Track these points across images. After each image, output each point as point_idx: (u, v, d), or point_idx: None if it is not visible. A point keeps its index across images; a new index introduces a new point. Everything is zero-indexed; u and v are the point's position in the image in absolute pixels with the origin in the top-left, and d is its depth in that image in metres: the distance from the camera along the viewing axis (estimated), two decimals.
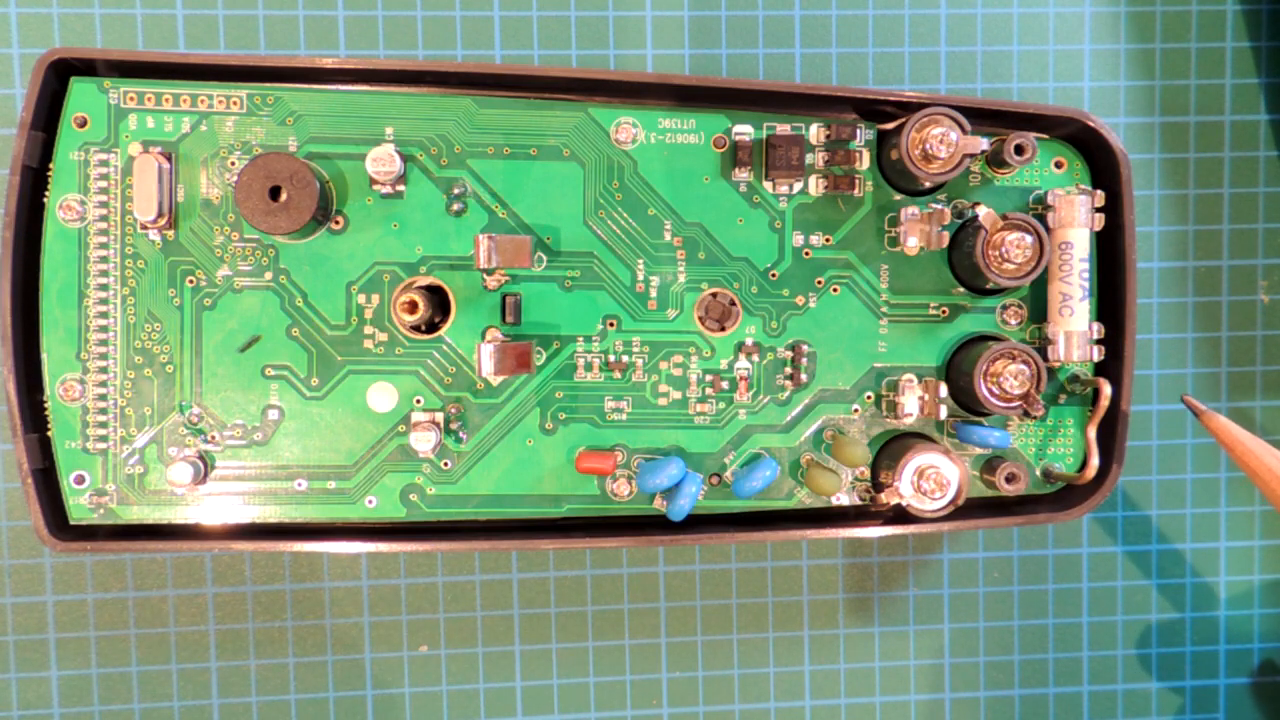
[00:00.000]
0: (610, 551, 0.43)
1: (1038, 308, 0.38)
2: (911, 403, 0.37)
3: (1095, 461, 0.37)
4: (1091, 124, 0.37)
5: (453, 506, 0.37)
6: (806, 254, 0.38)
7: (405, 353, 0.37)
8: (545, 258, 0.37)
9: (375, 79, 0.37)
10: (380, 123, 0.36)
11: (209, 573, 0.42)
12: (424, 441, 0.36)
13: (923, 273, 0.38)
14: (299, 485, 0.37)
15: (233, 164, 0.36)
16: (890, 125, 0.37)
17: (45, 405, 0.36)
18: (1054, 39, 0.43)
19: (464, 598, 0.43)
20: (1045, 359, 0.37)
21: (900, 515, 0.38)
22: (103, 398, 0.36)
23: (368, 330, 0.37)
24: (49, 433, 0.36)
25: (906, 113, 0.36)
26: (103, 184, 0.35)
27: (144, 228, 0.35)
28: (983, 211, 0.36)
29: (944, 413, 0.37)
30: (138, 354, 0.36)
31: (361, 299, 0.36)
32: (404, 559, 0.42)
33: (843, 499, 0.38)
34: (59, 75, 0.35)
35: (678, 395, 0.37)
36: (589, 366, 0.37)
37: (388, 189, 0.36)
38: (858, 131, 0.37)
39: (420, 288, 0.36)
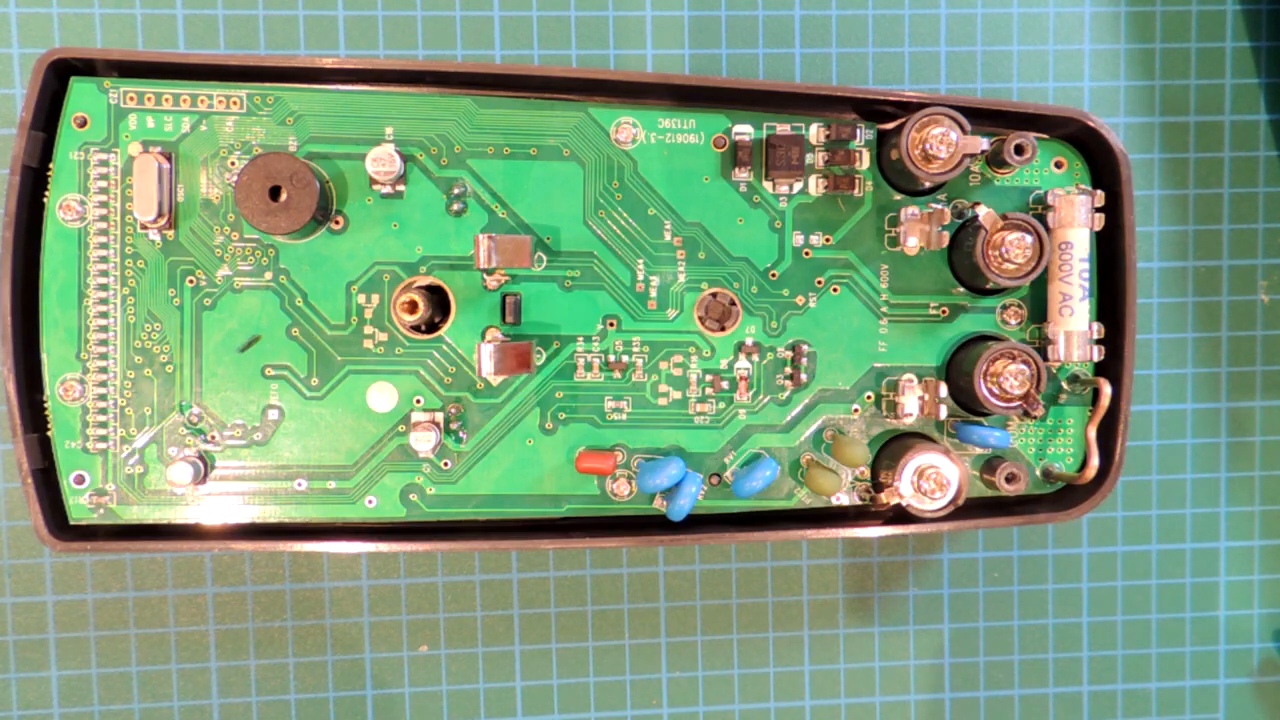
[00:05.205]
0: (610, 551, 0.43)
1: (1038, 308, 0.38)
2: (911, 403, 0.37)
3: (1095, 461, 0.37)
4: (1091, 124, 0.37)
5: (453, 506, 0.37)
6: (806, 254, 0.38)
7: (405, 353, 0.37)
8: (545, 258, 0.37)
9: (375, 79, 0.37)
10: (380, 123, 0.36)
11: (209, 573, 0.42)
12: (424, 441, 0.36)
13: (923, 273, 0.38)
14: (299, 485, 0.37)
15: (233, 164, 0.36)
16: (890, 125, 0.37)
17: (45, 405, 0.36)
18: (1054, 39, 0.43)
19: (464, 598, 0.43)
20: (1045, 359, 0.37)
21: (900, 515, 0.38)
22: (103, 398, 0.36)
23: (368, 330, 0.37)
24: (49, 433, 0.36)
25: (906, 113, 0.36)
26: (103, 184, 0.35)
27: (144, 228, 0.35)
28: (983, 211, 0.36)
29: (944, 413, 0.37)
30: (138, 354, 0.36)
31: (361, 299, 0.36)
32: (404, 559, 0.42)
33: (843, 499, 0.38)
34: (59, 75, 0.35)
35: (678, 395, 0.37)
36: (589, 366, 0.37)
37: (388, 189, 0.36)
38: (858, 131, 0.37)
39: (420, 288, 0.36)
